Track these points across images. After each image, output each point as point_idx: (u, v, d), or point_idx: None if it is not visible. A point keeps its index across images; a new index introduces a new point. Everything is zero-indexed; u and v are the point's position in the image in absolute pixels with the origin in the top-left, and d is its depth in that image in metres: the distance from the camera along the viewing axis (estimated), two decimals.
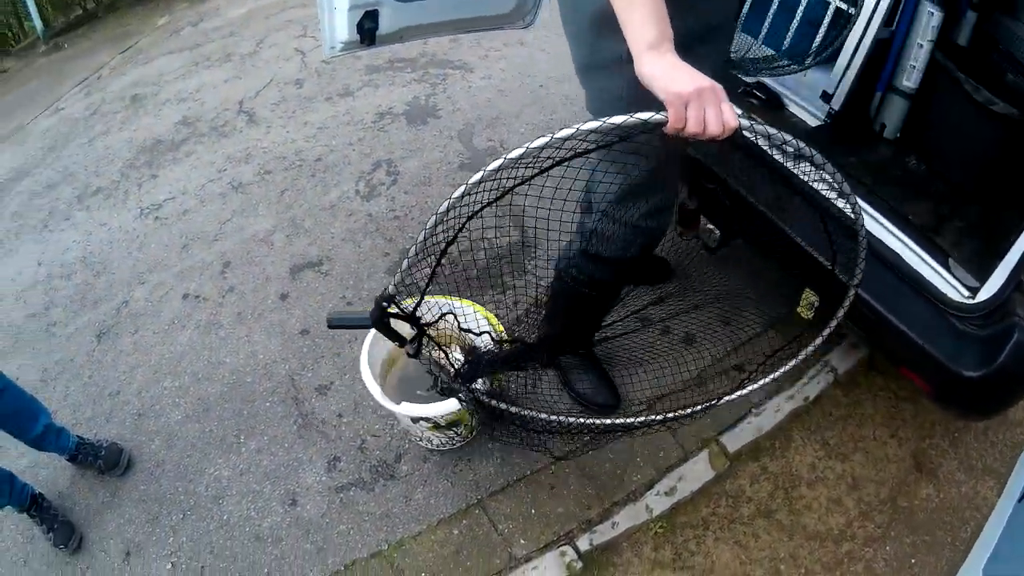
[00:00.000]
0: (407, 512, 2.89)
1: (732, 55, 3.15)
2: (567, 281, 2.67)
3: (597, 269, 2.56)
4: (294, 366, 3.40)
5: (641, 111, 1.48)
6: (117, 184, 4.62)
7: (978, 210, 2.84)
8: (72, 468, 3.16)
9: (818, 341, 1.91)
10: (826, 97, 3.06)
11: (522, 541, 2.80)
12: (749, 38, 3.30)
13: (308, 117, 4.89)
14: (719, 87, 1.48)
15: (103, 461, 3.08)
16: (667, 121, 1.49)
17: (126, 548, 2.95)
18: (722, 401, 2.17)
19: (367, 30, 2.81)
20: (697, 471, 2.96)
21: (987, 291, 2.39)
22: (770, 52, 3.22)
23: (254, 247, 4.00)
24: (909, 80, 2.97)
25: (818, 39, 3.07)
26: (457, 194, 1.62)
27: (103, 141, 5.06)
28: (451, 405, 2.53)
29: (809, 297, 2.72)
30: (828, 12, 3.02)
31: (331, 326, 1.96)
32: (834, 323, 2.05)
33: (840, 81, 3.00)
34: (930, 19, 2.85)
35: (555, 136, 1.47)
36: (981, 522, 2.88)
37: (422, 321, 1.97)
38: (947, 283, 2.48)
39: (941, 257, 2.55)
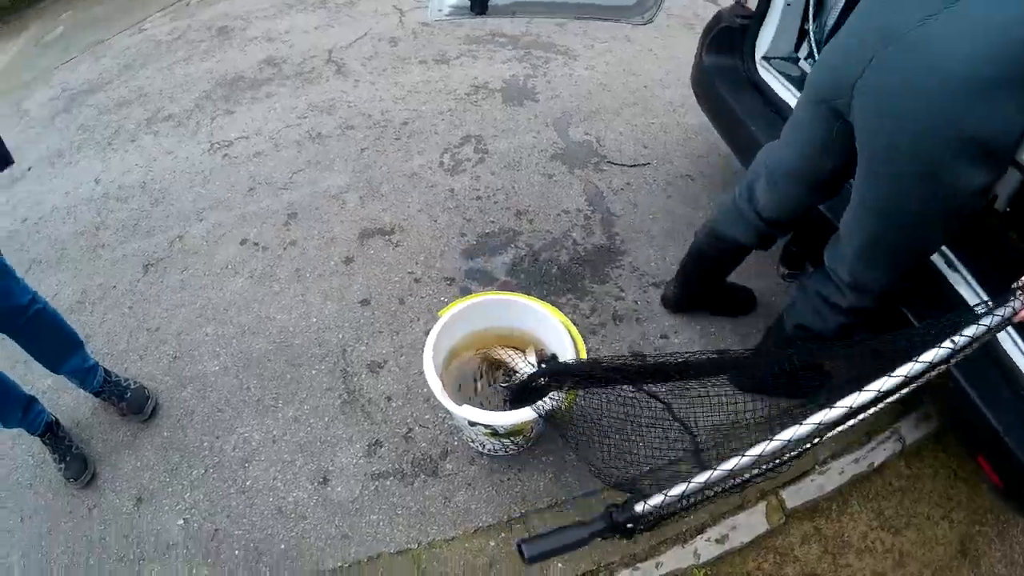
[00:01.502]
0: (444, 513, 2.77)
1: None
2: None
3: None
4: (348, 336, 3.27)
5: None
6: (190, 114, 4.52)
7: None
8: (96, 400, 3.06)
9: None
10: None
11: (560, 566, 2.67)
12: None
13: (399, 78, 4.77)
14: None
15: (127, 404, 2.98)
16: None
17: (139, 494, 2.85)
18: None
19: None
20: (752, 523, 2.85)
21: None
22: None
23: (324, 203, 3.88)
24: None
25: None
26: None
27: (183, 68, 4.97)
28: (515, 417, 2.39)
29: None
30: None
31: (534, 561, 1.72)
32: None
33: None
34: None
35: None
36: None
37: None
38: None
39: None
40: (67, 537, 2.77)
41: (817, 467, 3.00)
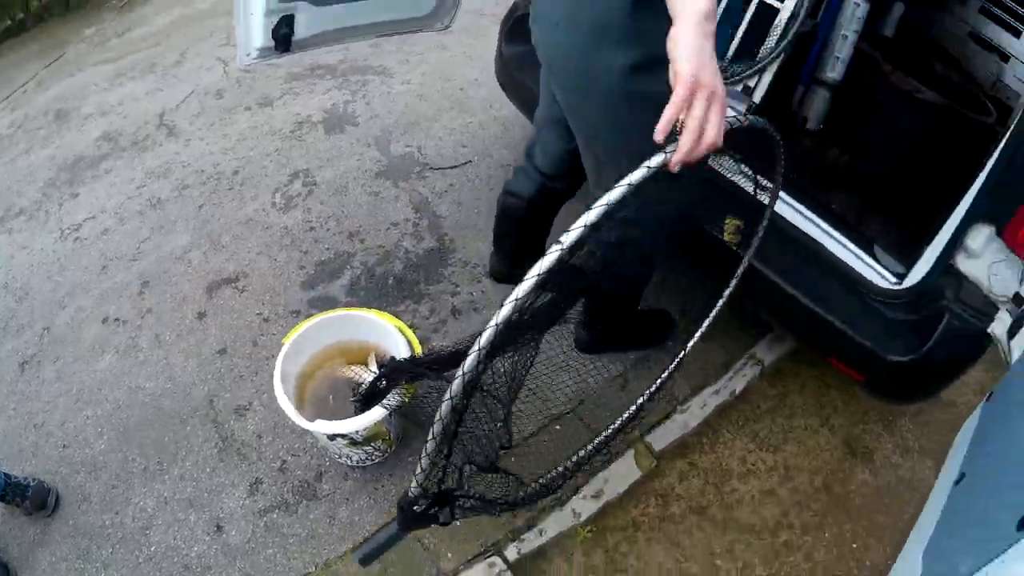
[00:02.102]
0: (332, 532, 2.85)
1: None
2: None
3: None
4: (212, 387, 3.33)
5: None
6: (39, 204, 4.51)
7: (903, 198, 2.85)
8: (1, 506, 3.07)
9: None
10: (747, 91, 3.03)
11: (449, 555, 2.76)
12: None
13: (227, 129, 4.80)
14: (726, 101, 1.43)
15: (30, 502, 2.99)
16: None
17: None
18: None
19: (282, 36, 2.77)
20: (623, 472, 2.94)
21: (914, 276, 2.42)
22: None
23: (171, 265, 3.91)
24: (833, 72, 2.96)
25: (739, 37, 3.03)
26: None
27: (25, 159, 4.94)
28: (365, 420, 2.48)
29: (733, 222, 2.67)
30: (751, 7, 2.96)
31: (366, 562, 1.98)
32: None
33: (762, 74, 2.97)
34: (856, 10, 2.84)
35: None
36: (922, 503, 2.88)
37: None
38: (873, 271, 2.50)
39: (866, 245, 2.56)
40: None
41: (678, 406, 3.09)
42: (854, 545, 2.90)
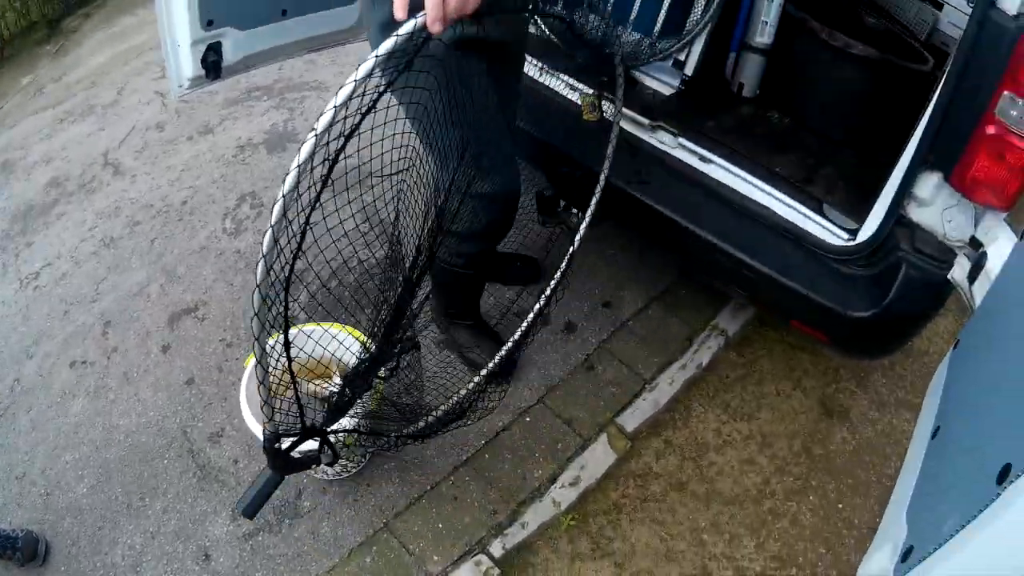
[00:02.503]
0: (317, 548, 2.85)
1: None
2: (441, 263, 2.70)
3: (459, 244, 2.64)
4: (184, 418, 3.33)
5: None
6: None
7: (848, 154, 2.89)
8: None
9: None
10: (678, 64, 3.05)
11: (435, 558, 2.77)
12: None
13: (171, 160, 4.77)
14: None
15: (21, 553, 2.98)
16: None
17: None
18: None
19: (211, 63, 2.78)
20: (598, 456, 2.96)
21: (867, 230, 2.43)
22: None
23: (131, 302, 3.91)
24: (763, 36, 2.99)
25: (664, 11, 3.05)
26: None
27: None
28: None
29: (587, 99, 2.66)
30: None
31: (251, 515, 1.97)
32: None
33: (691, 46, 2.99)
34: None
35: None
36: (903, 457, 2.91)
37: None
38: (824, 229, 2.52)
39: (814, 204, 2.58)
40: None
41: (646, 385, 3.10)
42: (840, 505, 2.92)
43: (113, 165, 4.92)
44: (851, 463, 3.01)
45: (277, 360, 1.75)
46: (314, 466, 1.96)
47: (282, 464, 1.84)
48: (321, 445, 1.92)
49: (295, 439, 1.84)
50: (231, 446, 3.19)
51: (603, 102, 2.72)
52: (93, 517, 3.12)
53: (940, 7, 3.15)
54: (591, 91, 2.71)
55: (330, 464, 1.85)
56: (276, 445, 1.78)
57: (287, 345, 1.71)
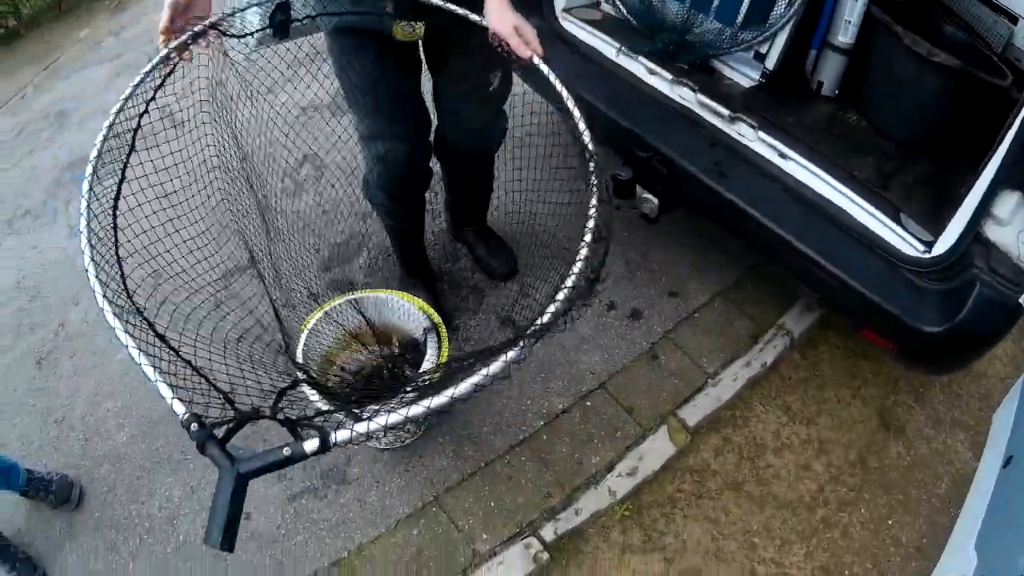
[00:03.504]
0: (363, 516, 2.81)
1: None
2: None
3: (373, 194, 2.99)
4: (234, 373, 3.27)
5: None
6: (45, 204, 4.49)
7: (926, 163, 2.81)
8: (26, 501, 3.05)
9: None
10: (759, 57, 2.99)
11: (484, 536, 2.72)
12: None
13: (229, 117, 4.71)
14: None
15: (54, 496, 2.97)
16: None
17: None
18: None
19: (279, 22, 2.74)
20: (658, 448, 2.90)
21: (943, 244, 2.35)
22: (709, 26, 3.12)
23: (185, 258, 3.83)
24: (845, 36, 2.92)
25: (747, 3, 2.99)
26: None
27: (29, 161, 4.92)
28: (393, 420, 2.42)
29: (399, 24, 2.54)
30: None
31: (226, 544, 1.33)
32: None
33: (773, 40, 2.93)
34: None
35: None
36: (955, 477, 2.86)
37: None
38: (900, 239, 2.44)
39: (892, 212, 2.51)
40: None
41: (709, 380, 3.05)
42: (889, 521, 2.85)
43: (172, 119, 4.87)
44: (904, 479, 2.95)
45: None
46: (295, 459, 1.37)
47: (221, 458, 1.35)
48: (294, 431, 1.46)
49: (230, 424, 1.44)
50: (280, 406, 3.12)
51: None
52: (131, 467, 3.10)
53: (1015, 21, 3.08)
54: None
55: (324, 452, 1.36)
56: (206, 433, 1.38)
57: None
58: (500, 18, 2.10)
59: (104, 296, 1.55)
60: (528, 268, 3.43)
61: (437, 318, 2.69)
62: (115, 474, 3.10)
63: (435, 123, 2.85)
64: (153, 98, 2.02)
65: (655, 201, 2.91)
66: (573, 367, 3.07)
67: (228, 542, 1.29)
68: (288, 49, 4.43)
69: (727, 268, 3.34)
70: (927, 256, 2.37)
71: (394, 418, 1.31)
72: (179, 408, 1.36)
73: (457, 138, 2.87)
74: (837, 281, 2.50)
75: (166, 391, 1.39)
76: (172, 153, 2.15)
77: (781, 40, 2.90)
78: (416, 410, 1.33)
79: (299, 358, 2.58)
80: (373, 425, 1.30)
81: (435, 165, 2.97)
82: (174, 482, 3.02)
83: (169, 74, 2.13)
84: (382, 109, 2.62)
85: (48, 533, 2.99)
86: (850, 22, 2.90)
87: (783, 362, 3.16)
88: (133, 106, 2.02)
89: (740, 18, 2.98)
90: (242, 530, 2.65)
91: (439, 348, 2.60)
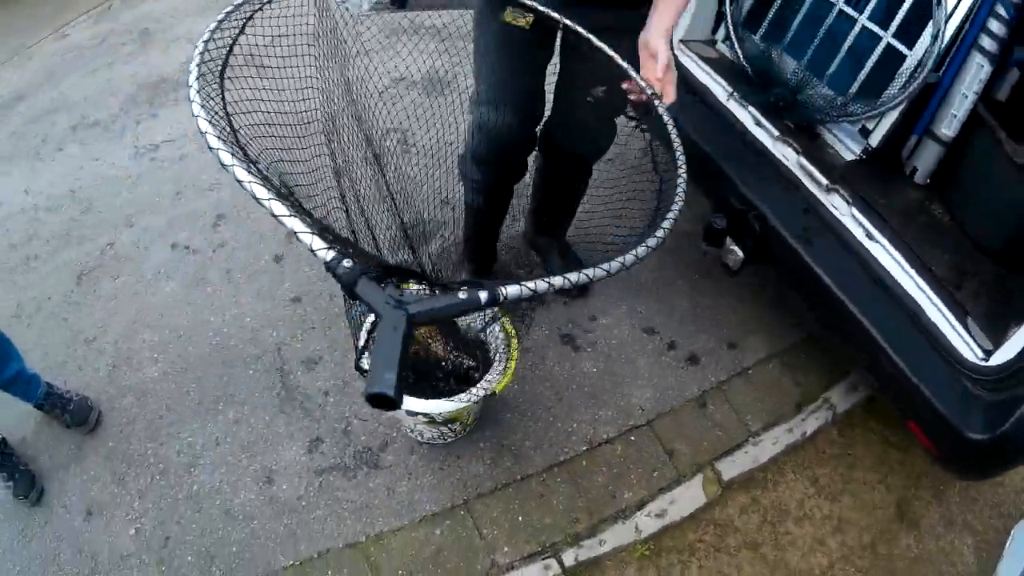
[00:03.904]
0: (389, 505, 2.79)
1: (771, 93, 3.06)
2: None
3: (467, 168, 2.96)
4: (282, 335, 3.28)
5: None
6: (115, 119, 4.46)
7: (1000, 270, 2.80)
8: (38, 414, 3.03)
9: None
10: (864, 132, 2.99)
11: (506, 549, 2.72)
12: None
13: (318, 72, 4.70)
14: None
15: (71, 416, 2.95)
16: None
17: (88, 507, 2.83)
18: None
19: None
20: (690, 495, 2.90)
21: (1002, 355, 2.35)
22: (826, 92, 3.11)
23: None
24: (948, 128, 2.91)
25: (862, 76, 2.98)
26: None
27: (106, 73, 4.88)
28: (454, 404, 2.42)
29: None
30: (878, 48, 2.93)
31: (394, 391, 1.11)
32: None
33: (881, 118, 2.93)
34: (979, 71, 2.79)
35: None
36: None
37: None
38: (964, 342, 2.44)
39: (960, 313, 2.51)
40: (21, 557, 2.75)
41: (751, 438, 3.05)
42: None
43: (259, 64, 4.84)
44: (908, 571, 2.95)
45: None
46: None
47: (385, 297, 1.20)
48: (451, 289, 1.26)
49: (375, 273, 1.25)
50: (325, 377, 3.13)
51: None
52: (157, 404, 3.08)
53: None
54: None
55: (493, 305, 1.19)
56: (359, 269, 1.21)
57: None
58: (659, 43, 2.07)
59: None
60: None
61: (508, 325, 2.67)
62: (138, 408, 3.08)
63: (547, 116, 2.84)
64: (242, 31, 1.82)
65: (740, 254, 2.91)
66: (624, 400, 3.06)
67: (399, 393, 1.10)
68: (390, 19, 4.42)
69: (788, 331, 3.34)
70: (984, 364, 2.37)
71: (556, 281, 1.25)
72: (320, 244, 1.20)
73: (563, 135, 2.86)
74: (896, 370, 2.50)
75: (300, 227, 1.21)
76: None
77: (889, 120, 2.89)
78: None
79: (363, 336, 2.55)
80: (539, 284, 1.23)
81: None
82: (199, 430, 3.00)
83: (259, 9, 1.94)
84: (502, 79, 2.64)
85: (55, 452, 2.98)
86: (955, 116, 2.89)
87: (821, 435, 3.16)
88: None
89: (853, 90, 2.98)
90: (261, 493, 2.66)
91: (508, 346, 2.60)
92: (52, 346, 3.30)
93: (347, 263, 1.20)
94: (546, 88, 2.72)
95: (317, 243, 1.20)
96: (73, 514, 2.82)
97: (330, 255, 1.20)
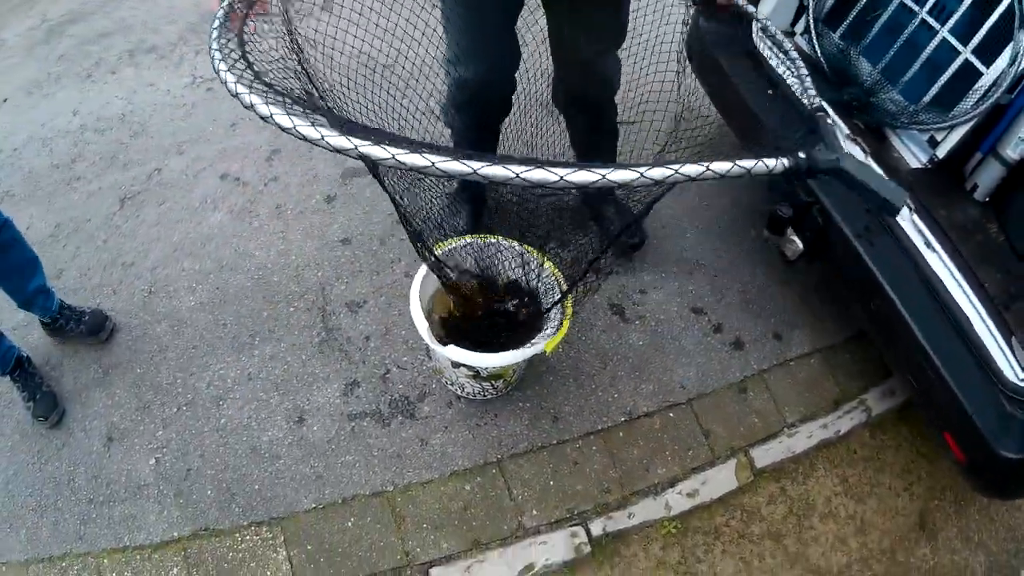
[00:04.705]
0: (420, 456, 2.78)
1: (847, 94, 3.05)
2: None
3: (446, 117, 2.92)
4: (327, 275, 3.25)
5: None
6: (174, 47, 4.43)
7: None
8: (59, 339, 3.03)
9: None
10: (933, 143, 2.98)
11: (535, 512, 2.70)
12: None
13: (381, 21, 4.65)
14: None
15: (86, 327, 2.95)
16: None
17: (109, 433, 2.83)
18: None
19: None
20: (722, 479, 2.89)
21: None
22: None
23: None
24: (1013, 151, 2.89)
25: (936, 88, 2.97)
26: None
27: (168, 0, 4.85)
28: (506, 359, 2.38)
29: None
30: (955, 62, 2.91)
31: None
32: None
33: (951, 131, 2.92)
34: None
35: None
36: None
37: None
38: (1007, 362, 2.44)
39: (1007, 333, 2.51)
40: (35, 479, 2.74)
41: (786, 429, 3.04)
42: None
43: (328, 7, 4.81)
44: None
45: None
46: None
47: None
48: None
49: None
50: (367, 322, 3.11)
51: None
52: (191, 334, 3.07)
53: None
54: None
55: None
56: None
57: None
58: None
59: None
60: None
61: (559, 274, 2.62)
62: (171, 336, 3.06)
63: (552, 74, 2.83)
64: None
65: (800, 245, 2.90)
66: (667, 375, 3.05)
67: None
68: None
69: (833, 328, 3.32)
70: (1022, 385, 2.38)
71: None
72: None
73: (574, 82, 2.81)
74: (938, 377, 2.50)
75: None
76: None
77: (958, 134, 2.88)
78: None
79: (416, 286, 2.53)
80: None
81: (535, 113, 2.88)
82: (232, 364, 2.99)
83: None
84: (474, 35, 2.57)
85: (79, 374, 2.97)
86: (1022, 139, 2.88)
87: (854, 435, 3.15)
88: None
89: (926, 100, 2.97)
90: (290, 432, 2.64)
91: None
92: (88, 268, 3.29)
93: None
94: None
95: None
96: (93, 439, 2.81)
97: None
